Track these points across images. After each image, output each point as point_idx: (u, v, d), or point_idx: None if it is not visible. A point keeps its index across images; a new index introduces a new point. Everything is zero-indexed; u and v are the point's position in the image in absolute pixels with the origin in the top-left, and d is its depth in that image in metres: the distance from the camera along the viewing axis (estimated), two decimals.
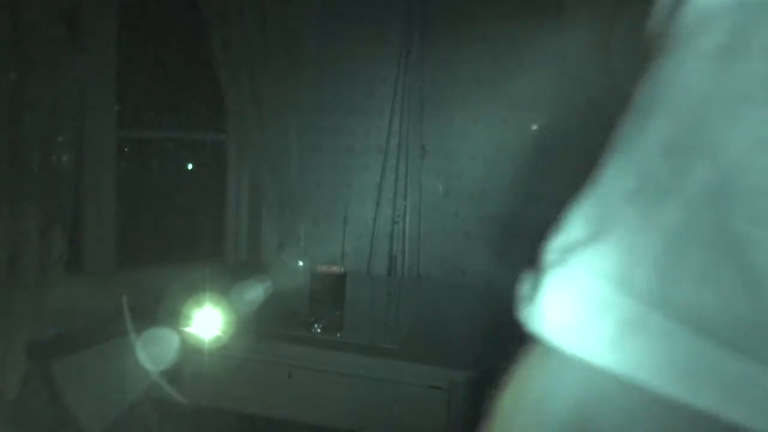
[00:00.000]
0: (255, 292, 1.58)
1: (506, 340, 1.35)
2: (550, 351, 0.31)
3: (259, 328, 1.44)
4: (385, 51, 2.28)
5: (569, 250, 0.32)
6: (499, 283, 2.04)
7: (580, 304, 0.30)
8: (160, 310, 1.49)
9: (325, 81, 2.24)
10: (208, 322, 1.45)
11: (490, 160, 2.07)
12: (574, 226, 0.32)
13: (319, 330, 1.42)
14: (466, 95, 2.14)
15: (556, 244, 0.32)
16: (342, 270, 1.70)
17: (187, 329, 1.42)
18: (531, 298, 0.33)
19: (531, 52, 1.91)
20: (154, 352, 1.35)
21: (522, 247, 1.98)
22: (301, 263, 2.11)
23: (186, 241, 2.53)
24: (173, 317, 1.46)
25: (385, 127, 2.29)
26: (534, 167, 1.94)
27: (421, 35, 2.26)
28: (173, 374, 1.40)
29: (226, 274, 2.08)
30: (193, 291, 1.57)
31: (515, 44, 1.96)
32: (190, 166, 2.51)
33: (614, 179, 0.33)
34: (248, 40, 1.97)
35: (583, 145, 1.75)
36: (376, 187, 2.32)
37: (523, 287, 0.33)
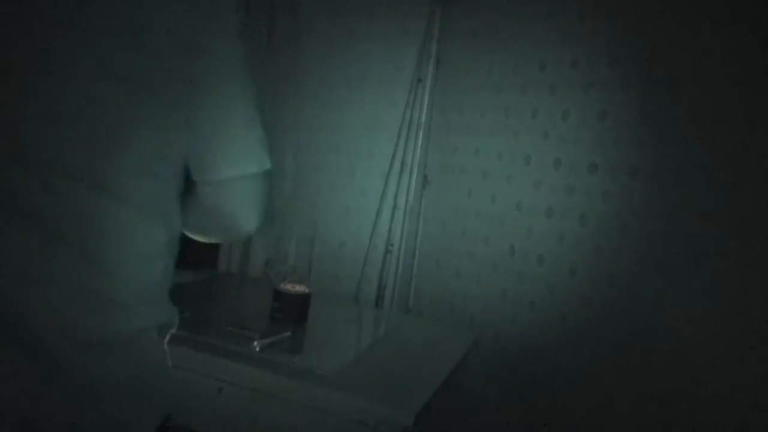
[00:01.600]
0: (206, 301, 1.56)
1: (454, 389, 1.26)
2: None
3: (200, 337, 1.41)
4: (397, 77, 2.25)
5: None
6: (481, 326, 1.95)
7: None
8: None
9: (332, 101, 2.24)
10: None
11: (485, 196, 2.00)
12: None
13: (257, 348, 1.38)
14: (470, 126, 2.08)
15: None
16: (306, 290, 1.67)
17: None
18: None
19: (534, 89, 1.85)
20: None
21: (507, 287, 1.88)
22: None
23: (184, 249, 2.56)
24: None
25: (389, 152, 2.26)
26: (525, 205, 1.85)
27: (435, 64, 2.23)
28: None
29: (209, 285, 2.09)
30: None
31: (520, 78, 1.90)
32: None
33: None
34: (254, 55, 1.99)
35: (574, 183, 1.65)
36: (374, 213, 2.28)
37: None
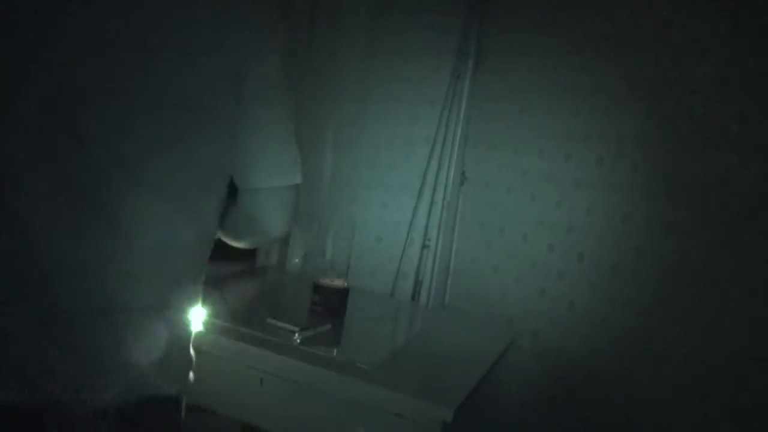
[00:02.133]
0: (247, 294, 1.59)
1: (490, 387, 1.26)
2: None
3: (240, 329, 1.44)
4: (435, 74, 2.25)
5: None
6: (518, 325, 1.94)
7: None
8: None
9: (370, 100, 2.25)
10: (196, 316, 1.46)
11: (525, 193, 1.98)
12: None
13: (298, 341, 1.40)
14: (509, 123, 2.07)
15: None
16: (345, 285, 1.68)
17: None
18: None
19: (575, 84, 1.83)
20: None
21: (546, 285, 1.87)
22: None
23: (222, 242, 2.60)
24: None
25: (427, 149, 2.26)
26: (566, 203, 1.84)
27: (474, 61, 2.22)
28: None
29: (249, 278, 2.12)
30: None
31: (560, 77, 1.88)
32: None
33: None
34: (291, 53, 2.01)
35: (616, 180, 1.64)
36: (411, 209, 2.28)
37: None
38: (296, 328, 1.44)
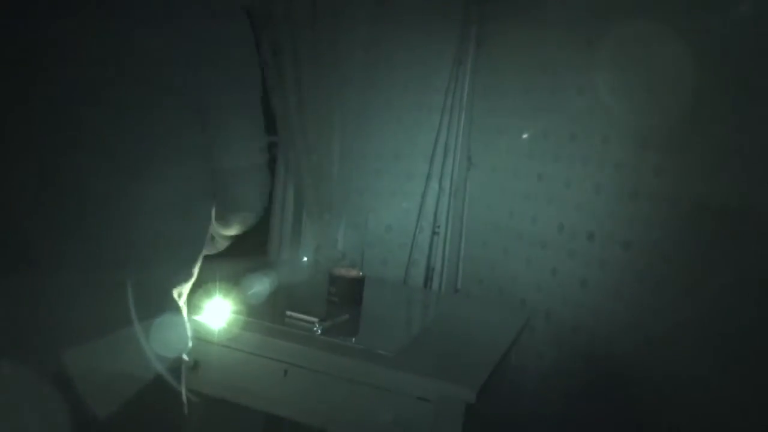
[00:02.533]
0: (261, 287, 1.61)
1: (508, 363, 1.29)
2: None
3: (263, 323, 1.46)
4: (438, 61, 2.26)
5: None
6: (532, 306, 1.96)
7: None
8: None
9: (375, 87, 2.26)
10: (217, 312, 1.49)
11: (532, 174, 2.00)
12: None
13: (319, 331, 1.42)
14: (514, 106, 2.08)
15: None
16: (360, 274, 1.70)
17: (197, 318, 1.46)
18: None
19: (579, 62, 1.83)
20: (164, 339, 1.40)
21: (557, 265, 1.89)
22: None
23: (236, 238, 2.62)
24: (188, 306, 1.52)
25: (433, 136, 2.27)
26: (574, 181, 1.85)
27: (476, 46, 2.23)
28: (180, 362, 1.45)
29: (262, 271, 2.14)
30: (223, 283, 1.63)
31: (564, 55, 1.89)
32: None
33: None
34: (296, 44, 2.02)
35: (623, 158, 1.66)
36: (420, 196, 2.30)
37: None
38: (315, 319, 1.46)
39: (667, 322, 1.54)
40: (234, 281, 1.69)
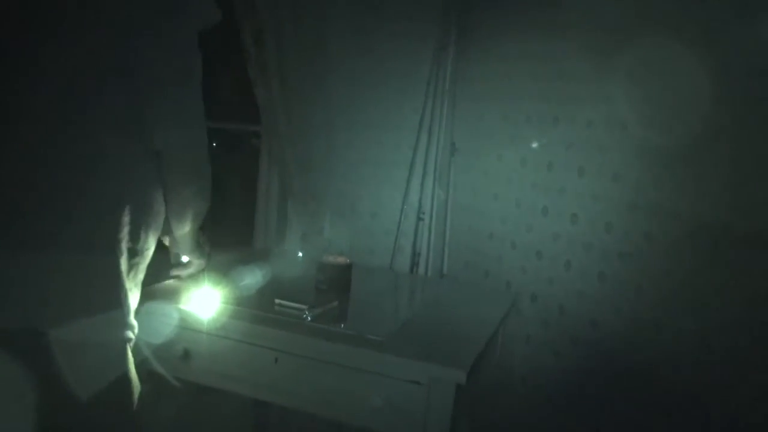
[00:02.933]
0: (252, 277, 1.62)
1: (495, 344, 1.31)
2: None
3: (252, 311, 1.47)
4: (420, 47, 2.26)
5: None
6: (518, 288, 1.98)
7: None
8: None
9: (358, 75, 2.26)
10: (205, 301, 1.49)
11: (515, 159, 2.02)
12: None
13: (309, 318, 1.43)
14: (496, 92, 2.09)
15: None
16: (348, 261, 1.71)
17: (184, 307, 1.46)
18: None
19: (561, 47, 1.85)
20: (151, 326, 1.40)
21: (543, 248, 1.91)
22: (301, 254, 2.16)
23: (219, 226, 2.61)
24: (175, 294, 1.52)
25: (416, 122, 2.28)
26: (557, 165, 1.87)
27: (457, 31, 2.24)
28: (167, 350, 1.45)
29: (248, 261, 2.14)
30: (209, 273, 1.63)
31: (546, 38, 1.90)
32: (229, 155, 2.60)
33: None
34: (279, 33, 2.01)
35: (606, 141, 1.68)
36: (404, 183, 2.31)
37: None
38: (305, 306, 1.47)
39: (651, 302, 1.57)
40: (222, 271, 1.69)
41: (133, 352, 1.21)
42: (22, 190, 1.07)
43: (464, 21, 2.21)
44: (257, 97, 2.09)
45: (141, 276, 1.23)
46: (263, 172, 2.33)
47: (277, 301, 1.52)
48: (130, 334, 1.19)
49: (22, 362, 1.04)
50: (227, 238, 2.43)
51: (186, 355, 1.44)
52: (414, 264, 2.28)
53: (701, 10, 1.45)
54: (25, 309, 1.06)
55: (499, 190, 2.09)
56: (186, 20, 1.15)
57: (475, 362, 1.32)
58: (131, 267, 1.17)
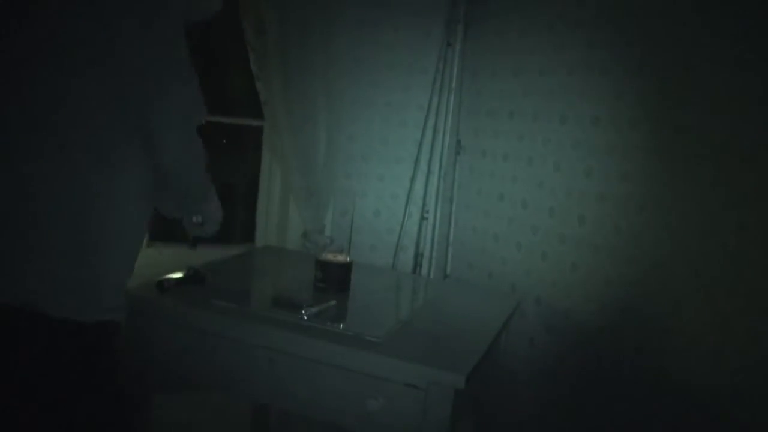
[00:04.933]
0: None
1: (498, 348, 1.26)
2: None
3: (248, 308, 1.43)
4: (426, 42, 2.22)
5: None
6: (521, 290, 1.94)
7: None
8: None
9: (362, 70, 2.22)
10: (201, 298, 1.46)
11: (521, 159, 1.97)
12: None
13: (305, 317, 1.39)
14: (503, 89, 2.05)
15: None
16: (348, 259, 1.67)
17: (179, 304, 1.43)
18: None
19: (570, 43, 1.80)
20: None
21: (548, 249, 1.87)
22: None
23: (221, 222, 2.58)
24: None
25: (422, 119, 2.24)
26: (564, 165, 1.83)
27: (464, 27, 2.20)
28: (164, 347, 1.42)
29: (249, 257, 2.10)
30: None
31: (554, 36, 1.85)
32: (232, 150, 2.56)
33: None
34: (282, 27, 1.98)
35: (615, 141, 1.63)
36: (408, 181, 2.27)
37: None
38: (302, 305, 1.43)
39: (660, 306, 1.52)
40: (219, 267, 1.66)
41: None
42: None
43: (472, 15, 2.16)
44: (259, 91, 2.06)
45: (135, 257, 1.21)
46: (265, 168, 2.30)
47: (273, 299, 1.49)
48: (119, 316, 1.15)
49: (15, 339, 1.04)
50: (228, 235, 2.40)
51: (183, 352, 1.41)
52: (417, 264, 2.24)
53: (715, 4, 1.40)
54: (14, 285, 1.04)
55: (504, 190, 2.04)
56: (172, 12, 1.10)
57: (476, 366, 1.28)
58: (122, 247, 1.15)
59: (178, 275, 1.52)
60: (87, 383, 1.09)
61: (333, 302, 1.52)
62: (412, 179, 2.25)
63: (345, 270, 1.66)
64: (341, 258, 1.67)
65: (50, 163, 1.05)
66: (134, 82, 1.06)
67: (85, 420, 1.09)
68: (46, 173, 1.05)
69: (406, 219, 2.25)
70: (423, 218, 2.25)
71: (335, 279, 1.64)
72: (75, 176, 1.07)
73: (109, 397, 1.13)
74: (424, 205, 2.24)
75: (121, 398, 1.17)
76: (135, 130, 1.09)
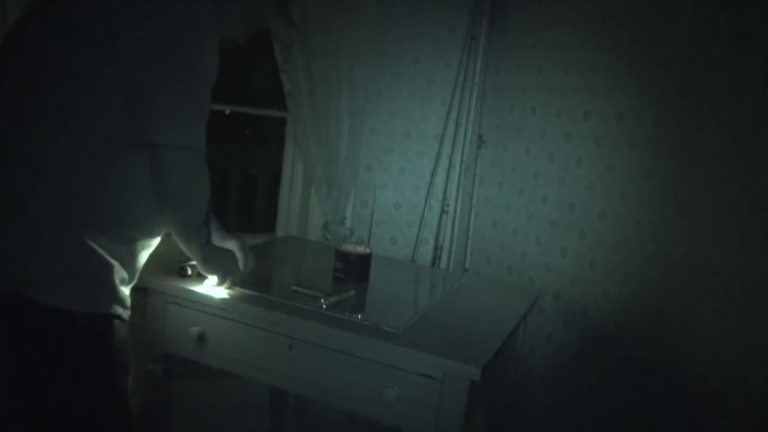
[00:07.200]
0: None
1: (515, 343, 1.28)
2: None
3: (268, 296, 1.46)
4: (450, 36, 2.23)
5: None
6: (540, 285, 1.94)
7: None
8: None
9: (386, 63, 2.23)
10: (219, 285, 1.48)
11: (543, 154, 1.97)
12: None
13: (324, 306, 1.41)
14: (527, 84, 2.05)
15: None
16: (367, 251, 1.69)
17: (200, 290, 1.46)
18: None
19: (595, 39, 1.79)
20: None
21: (567, 245, 1.87)
22: None
23: (243, 212, 2.62)
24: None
25: (444, 113, 2.24)
26: (584, 162, 1.82)
27: (489, 21, 2.19)
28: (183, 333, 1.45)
29: (270, 247, 2.13)
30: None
31: (579, 32, 1.84)
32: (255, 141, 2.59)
33: None
34: (306, 20, 1.99)
35: (638, 138, 1.62)
36: (429, 174, 2.28)
37: None
38: (321, 294, 1.45)
39: (678, 305, 1.51)
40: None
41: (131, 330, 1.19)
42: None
43: (496, 9, 2.16)
44: (283, 82, 2.08)
45: (140, 256, 1.21)
46: (287, 159, 2.32)
47: (293, 288, 1.51)
48: (119, 310, 1.16)
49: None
50: (250, 224, 2.43)
51: (201, 338, 1.44)
52: (436, 257, 2.25)
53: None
54: (7, 272, 1.05)
55: (525, 185, 2.04)
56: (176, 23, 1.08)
57: (491, 359, 1.28)
58: (125, 245, 1.16)
59: None
60: (78, 374, 1.09)
61: (352, 292, 1.53)
62: (433, 173, 2.25)
63: (364, 261, 1.67)
64: (360, 249, 1.68)
65: (43, 154, 1.06)
66: (134, 97, 1.06)
67: (75, 414, 1.09)
68: (53, 165, 1.06)
69: (426, 212, 2.26)
70: (443, 212, 2.26)
71: (354, 270, 1.65)
72: (88, 166, 1.07)
73: (99, 390, 1.12)
74: (444, 198, 2.25)
75: (115, 393, 1.15)
76: (137, 143, 1.10)
